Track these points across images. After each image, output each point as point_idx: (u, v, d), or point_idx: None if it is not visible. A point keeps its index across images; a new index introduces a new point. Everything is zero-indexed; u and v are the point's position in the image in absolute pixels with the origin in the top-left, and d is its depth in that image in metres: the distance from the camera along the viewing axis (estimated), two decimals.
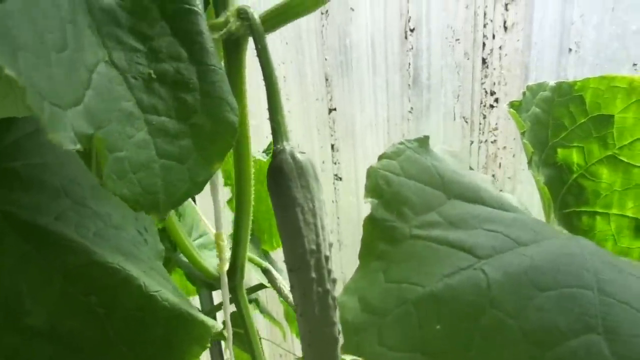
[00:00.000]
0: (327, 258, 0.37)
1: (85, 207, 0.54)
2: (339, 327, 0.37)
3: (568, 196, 0.53)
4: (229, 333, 0.51)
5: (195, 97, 0.36)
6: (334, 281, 0.37)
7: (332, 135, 1.33)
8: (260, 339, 0.63)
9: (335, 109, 1.32)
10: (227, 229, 0.60)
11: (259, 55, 0.39)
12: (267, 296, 1.48)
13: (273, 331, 1.16)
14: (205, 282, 1.08)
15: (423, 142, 0.39)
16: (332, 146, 1.37)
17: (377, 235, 0.34)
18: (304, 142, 1.46)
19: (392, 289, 0.31)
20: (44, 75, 0.26)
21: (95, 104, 0.31)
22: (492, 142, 1.10)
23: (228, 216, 0.76)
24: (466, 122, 1.09)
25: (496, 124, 1.08)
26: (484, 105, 1.07)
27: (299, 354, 1.05)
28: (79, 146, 0.28)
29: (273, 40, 1.31)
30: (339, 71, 1.27)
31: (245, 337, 0.56)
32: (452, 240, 0.33)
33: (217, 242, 0.48)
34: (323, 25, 1.31)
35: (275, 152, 0.39)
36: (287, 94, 1.40)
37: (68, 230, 0.50)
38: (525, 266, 0.31)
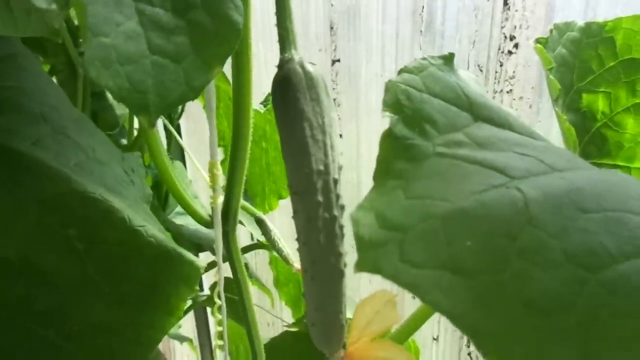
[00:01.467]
0: (335, 181, 0.33)
1: (67, 137, 0.49)
2: (345, 259, 0.34)
3: (590, 146, 0.50)
4: (220, 275, 0.47)
5: None
6: (342, 207, 0.33)
7: (334, 89, 1.26)
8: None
9: (339, 60, 1.25)
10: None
11: None
12: (256, 262, 1.45)
13: (261, 299, 1.13)
14: (193, 244, 1.04)
15: (448, 59, 0.35)
16: (334, 100, 1.28)
17: (396, 153, 0.30)
18: None
19: (415, 205, 0.27)
20: None
21: None
22: (507, 92, 1.04)
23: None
24: (480, 70, 1.03)
25: (513, 72, 1.02)
26: (502, 52, 1.00)
27: (289, 320, 1.02)
28: (54, 6, 0.23)
29: None
30: (345, 18, 1.19)
31: (236, 287, 0.52)
32: (481, 159, 0.30)
33: (210, 170, 0.43)
34: None
35: (282, 61, 0.34)
36: None
37: (46, 156, 0.45)
38: (565, 188, 0.28)
